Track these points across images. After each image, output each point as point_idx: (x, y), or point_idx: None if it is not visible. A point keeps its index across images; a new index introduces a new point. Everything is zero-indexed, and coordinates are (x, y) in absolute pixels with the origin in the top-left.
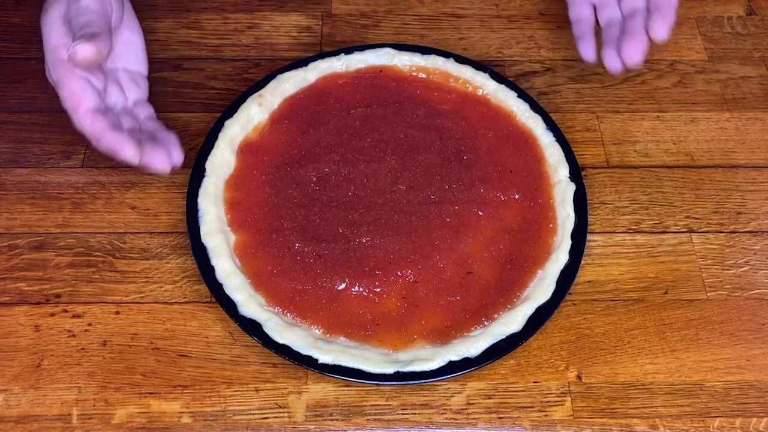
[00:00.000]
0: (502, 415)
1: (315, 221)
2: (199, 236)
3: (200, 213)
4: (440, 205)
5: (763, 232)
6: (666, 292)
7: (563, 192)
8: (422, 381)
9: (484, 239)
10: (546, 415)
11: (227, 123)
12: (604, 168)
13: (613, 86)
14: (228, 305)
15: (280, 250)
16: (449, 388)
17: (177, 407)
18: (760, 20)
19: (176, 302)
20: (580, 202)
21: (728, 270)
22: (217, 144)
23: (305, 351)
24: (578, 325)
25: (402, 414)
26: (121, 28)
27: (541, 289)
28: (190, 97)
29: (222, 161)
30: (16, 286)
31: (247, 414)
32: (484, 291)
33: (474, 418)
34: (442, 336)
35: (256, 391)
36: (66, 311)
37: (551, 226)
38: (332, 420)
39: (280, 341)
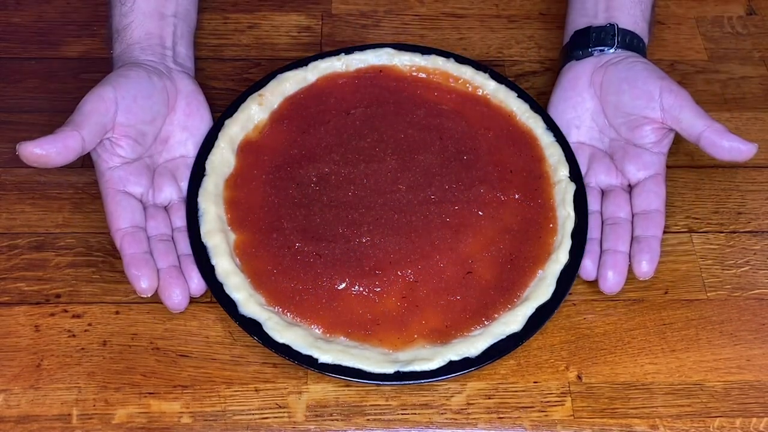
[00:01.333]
0: (502, 415)
1: (315, 221)
2: (199, 235)
3: (200, 212)
4: (440, 205)
5: (763, 232)
6: (666, 292)
7: (563, 192)
8: (422, 381)
9: (484, 239)
10: (546, 415)
11: (227, 122)
12: None
13: None
14: (228, 305)
15: (280, 249)
16: (449, 388)
17: (177, 407)
18: (760, 20)
19: None
20: (581, 202)
21: (728, 270)
22: (217, 143)
23: (305, 351)
24: (578, 325)
25: (402, 414)
26: (176, 113)
27: (541, 289)
28: None
29: (222, 160)
30: (16, 286)
31: (247, 414)
32: (484, 291)
33: (474, 418)
34: (443, 336)
35: (256, 391)
36: (66, 311)
37: (551, 226)
38: (332, 420)
39: (280, 341)
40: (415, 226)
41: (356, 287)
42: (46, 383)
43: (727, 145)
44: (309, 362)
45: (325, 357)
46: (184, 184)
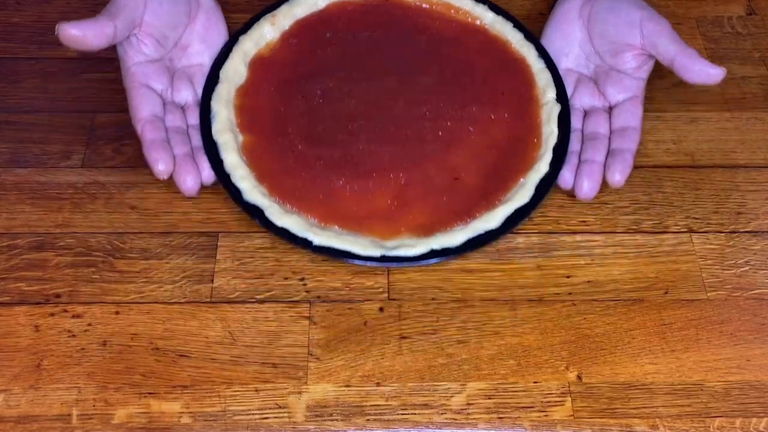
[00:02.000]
0: (502, 415)
1: (317, 129)
2: (211, 133)
3: (212, 114)
4: (434, 121)
5: (763, 232)
6: (666, 292)
7: (549, 112)
8: (405, 264)
9: (473, 152)
10: (546, 415)
11: (241, 38)
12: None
13: None
14: (234, 193)
15: (284, 152)
16: (449, 388)
17: (177, 407)
18: (760, 20)
19: (176, 302)
20: (565, 121)
21: (728, 270)
22: (231, 56)
23: (301, 234)
24: (578, 325)
25: (402, 414)
26: (196, 25)
27: (521, 194)
28: None
29: (235, 71)
30: (16, 286)
31: (247, 414)
32: (468, 195)
33: (474, 418)
34: (427, 230)
35: (256, 391)
36: (66, 311)
37: (536, 141)
38: (332, 420)
39: (279, 224)
40: (409, 138)
41: (351, 187)
42: (46, 383)
43: (697, 68)
44: (304, 244)
45: (318, 240)
46: (200, 89)
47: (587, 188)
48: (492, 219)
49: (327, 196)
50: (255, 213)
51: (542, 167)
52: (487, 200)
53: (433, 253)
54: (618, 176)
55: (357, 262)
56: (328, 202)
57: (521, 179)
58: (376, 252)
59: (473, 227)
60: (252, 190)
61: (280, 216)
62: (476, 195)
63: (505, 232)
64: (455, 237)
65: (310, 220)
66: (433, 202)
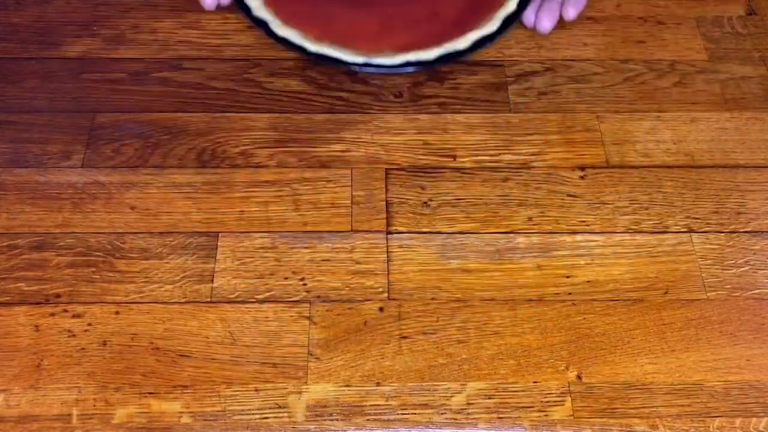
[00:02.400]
0: (502, 415)
1: None
2: None
3: None
4: None
5: (763, 232)
6: (666, 292)
7: None
8: (382, 71)
9: None
10: (546, 415)
11: None
12: (604, 168)
13: (613, 86)
14: (245, 9)
15: None
16: (449, 388)
17: (177, 407)
18: (760, 20)
19: (176, 302)
20: None
21: (728, 270)
22: None
23: (299, 42)
24: (578, 325)
25: (402, 414)
26: None
27: (489, 24)
28: (190, 97)
29: None
30: (16, 286)
31: (247, 414)
32: (445, 25)
33: (474, 418)
34: (406, 48)
35: (256, 391)
36: (66, 311)
37: None
38: (332, 420)
39: (281, 34)
40: None
41: (344, 15)
42: (46, 383)
43: None
44: (300, 50)
45: (313, 48)
46: None
47: (546, 23)
48: (462, 42)
49: (323, 21)
50: (261, 24)
51: (510, 5)
52: (460, 29)
53: (409, 64)
54: (571, 11)
55: (343, 66)
56: (324, 25)
57: (492, 14)
58: (360, 60)
59: (446, 47)
60: (259, 8)
61: (281, 29)
62: (451, 25)
63: (472, 52)
64: (429, 53)
65: (307, 35)
66: (413, 30)
